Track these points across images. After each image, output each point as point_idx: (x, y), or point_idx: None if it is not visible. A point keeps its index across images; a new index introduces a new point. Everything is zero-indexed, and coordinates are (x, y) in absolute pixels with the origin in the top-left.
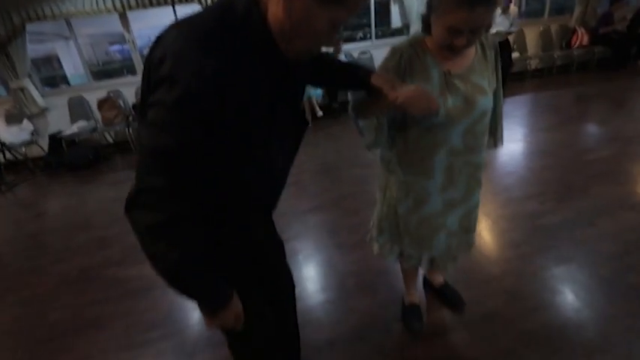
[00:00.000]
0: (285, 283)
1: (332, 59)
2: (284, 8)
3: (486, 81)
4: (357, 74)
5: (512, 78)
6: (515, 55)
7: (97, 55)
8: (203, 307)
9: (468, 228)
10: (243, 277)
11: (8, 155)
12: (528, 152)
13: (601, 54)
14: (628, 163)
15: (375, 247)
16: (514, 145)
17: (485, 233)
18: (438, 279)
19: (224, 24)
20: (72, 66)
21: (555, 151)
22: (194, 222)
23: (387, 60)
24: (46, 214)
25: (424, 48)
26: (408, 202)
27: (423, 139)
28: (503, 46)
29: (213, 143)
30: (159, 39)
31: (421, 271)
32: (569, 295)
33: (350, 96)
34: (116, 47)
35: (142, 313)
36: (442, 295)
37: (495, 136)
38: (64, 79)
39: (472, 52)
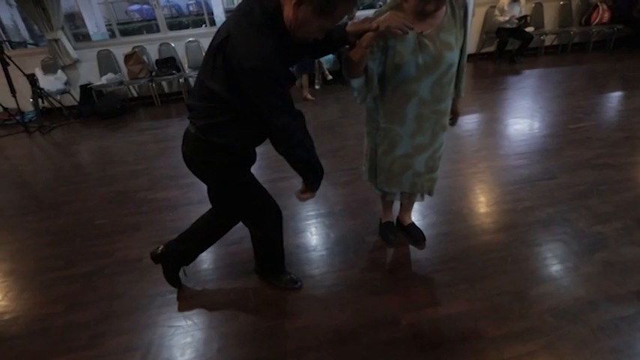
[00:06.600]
0: None
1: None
2: (294, 14)
3: (454, 37)
4: (337, 31)
5: (525, 53)
6: (529, 29)
7: (116, 14)
8: (315, 183)
9: (433, 168)
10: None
11: (45, 102)
12: (525, 120)
13: (621, 32)
14: (606, 132)
15: (366, 180)
16: (511, 114)
17: (476, 175)
18: (407, 220)
19: (268, 27)
20: (94, 24)
21: (547, 120)
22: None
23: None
24: (83, 152)
25: (402, 11)
26: (384, 146)
27: (397, 92)
28: (517, 31)
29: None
30: (230, 36)
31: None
32: (508, 226)
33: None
34: (135, 7)
35: (169, 222)
36: (408, 233)
37: (458, 87)
38: (88, 37)
39: (442, 12)
